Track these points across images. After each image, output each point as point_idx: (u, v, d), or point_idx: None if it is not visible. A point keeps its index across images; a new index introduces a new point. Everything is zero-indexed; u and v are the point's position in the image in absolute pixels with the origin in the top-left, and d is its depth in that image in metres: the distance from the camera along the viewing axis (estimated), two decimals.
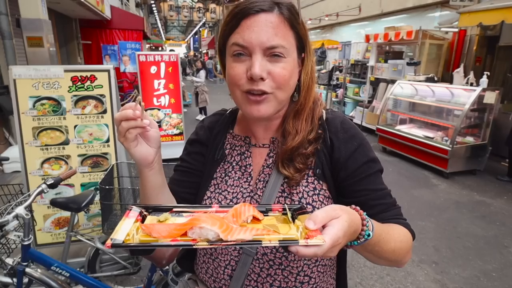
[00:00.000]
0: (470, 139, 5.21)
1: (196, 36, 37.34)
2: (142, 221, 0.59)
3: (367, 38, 7.72)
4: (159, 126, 5.03)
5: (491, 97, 4.83)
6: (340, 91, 9.10)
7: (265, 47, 0.67)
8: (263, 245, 0.51)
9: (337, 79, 9.47)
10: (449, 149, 4.89)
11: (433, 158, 5.22)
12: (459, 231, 3.53)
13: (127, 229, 0.53)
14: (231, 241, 0.51)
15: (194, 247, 0.51)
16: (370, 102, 7.87)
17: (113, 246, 0.49)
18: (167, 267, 1.92)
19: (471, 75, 5.35)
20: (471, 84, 5.24)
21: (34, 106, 2.31)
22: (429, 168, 5.37)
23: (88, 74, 2.38)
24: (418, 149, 5.47)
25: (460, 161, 5.11)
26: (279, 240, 0.51)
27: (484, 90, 4.87)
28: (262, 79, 0.68)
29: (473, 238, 3.39)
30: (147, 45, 17.20)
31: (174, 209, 0.63)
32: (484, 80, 4.98)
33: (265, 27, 0.66)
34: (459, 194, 4.51)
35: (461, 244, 3.27)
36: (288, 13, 0.69)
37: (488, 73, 5.12)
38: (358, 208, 0.62)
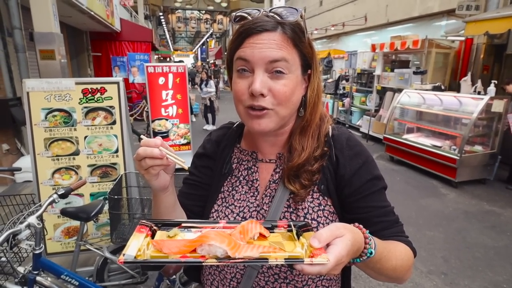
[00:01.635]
0: (478, 148, 5.16)
1: (204, 47, 37.79)
2: (152, 236, 0.61)
3: (373, 48, 7.75)
4: (167, 136, 5.10)
5: (499, 106, 4.80)
6: (346, 100, 9.11)
7: (268, 61, 0.69)
8: (269, 263, 0.53)
9: (344, 88, 9.49)
10: (457, 158, 4.85)
11: (441, 167, 5.18)
12: (469, 242, 3.47)
13: (138, 244, 0.55)
14: (238, 259, 0.53)
15: (203, 264, 0.53)
16: (376, 111, 7.86)
17: (125, 262, 0.51)
18: (174, 276, 1.95)
19: (479, 84, 5.32)
20: (479, 93, 5.22)
21: (46, 117, 2.38)
22: (437, 177, 5.32)
23: (98, 86, 2.45)
24: (426, 158, 5.43)
25: (469, 170, 5.05)
26: (285, 258, 0.53)
27: (492, 98, 4.84)
28: (262, 95, 0.70)
29: (483, 249, 3.33)
30: (156, 56, 17.50)
31: (183, 224, 0.65)
32: (491, 89, 4.95)
33: (267, 43, 0.69)
34: (468, 204, 4.45)
35: (470, 255, 3.22)
36: (291, 32, 0.71)
37: (496, 82, 5.10)
38: (361, 226, 0.64)
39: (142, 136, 0.75)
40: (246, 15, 0.73)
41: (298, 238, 0.61)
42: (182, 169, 0.99)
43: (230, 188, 0.86)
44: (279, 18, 0.71)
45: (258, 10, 0.73)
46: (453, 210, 4.26)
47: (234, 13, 0.75)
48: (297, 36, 0.72)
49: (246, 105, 0.73)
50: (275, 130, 0.76)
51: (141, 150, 0.66)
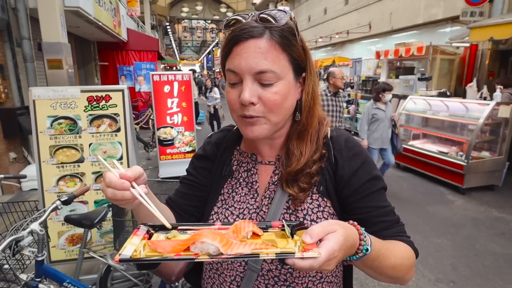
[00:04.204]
0: (486, 154, 5.09)
1: (209, 56, 38.22)
2: (149, 238, 0.62)
3: (378, 55, 7.77)
4: (172, 144, 5.12)
5: (505, 111, 4.74)
6: (352, 107, 9.09)
7: (254, 72, 0.68)
8: (260, 257, 0.53)
9: (349, 95, 9.48)
10: (465, 164, 4.79)
11: (448, 173, 5.11)
12: (478, 249, 3.40)
13: (135, 246, 0.56)
14: (230, 255, 0.53)
15: (195, 260, 0.53)
16: None
17: (121, 260, 0.52)
18: (176, 283, 1.93)
19: (485, 89, 5.29)
20: (485, 98, 5.17)
21: (51, 125, 2.41)
22: (445, 184, 5.25)
23: (103, 94, 2.47)
24: (433, 165, 5.37)
25: (476, 177, 4.98)
26: (276, 253, 0.53)
27: (498, 104, 4.79)
28: (253, 104, 0.70)
29: (493, 256, 3.26)
30: (162, 65, 17.71)
31: (179, 227, 0.66)
32: (498, 94, 4.90)
33: (253, 53, 0.68)
34: (477, 211, 4.37)
35: (480, 263, 3.15)
36: (279, 37, 0.69)
37: (502, 87, 5.05)
38: (355, 223, 0.63)
39: (114, 162, 0.71)
40: (240, 18, 0.72)
41: (292, 236, 0.61)
42: (176, 177, 0.99)
43: (230, 190, 0.86)
44: (267, 23, 0.70)
45: (247, 15, 0.72)
46: (461, 217, 4.19)
47: (225, 19, 0.74)
48: (286, 40, 0.70)
49: (239, 114, 0.74)
50: (269, 135, 0.76)
51: (110, 194, 0.63)
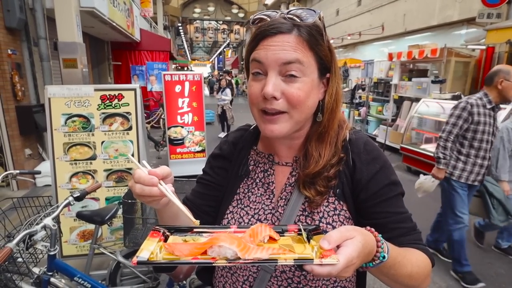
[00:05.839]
0: None
1: (221, 56, 38.44)
2: (165, 240, 0.62)
3: (390, 57, 7.66)
4: (182, 143, 5.16)
5: None
6: (363, 110, 9.00)
7: (281, 63, 0.68)
8: (279, 263, 0.52)
9: (360, 97, 9.40)
10: None
11: None
12: (491, 256, 3.32)
13: (151, 248, 0.56)
14: (248, 260, 0.53)
15: (213, 264, 0.53)
16: (393, 120, 7.72)
17: (139, 263, 0.52)
18: (184, 282, 1.94)
19: None
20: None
21: (65, 123, 2.45)
22: None
23: (116, 92, 2.51)
24: None
25: None
26: (294, 259, 0.52)
27: None
28: (275, 98, 0.69)
29: (507, 265, 3.17)
30: (173, 65, 17.89)
31: (195, 230, 0.66)
32: None
33: (281, 45, 0.68)
34: None
35: (493, 271, 3.08)
36: (307, 35, 0.70)
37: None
38: (373, 230, 0.62)
39: (144, 162, 0.70)
40: (265, 17, 0.73)
41: (309, 241, 0.60)
42: (196, 176, 0.98)
43: (246, 190, 0.86)
44: (295, 21, 0.69)
45: (276, 12, 0.73)
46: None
47: (252, 16, 0.74)
48: (313, 38, 0.70)
49: (259, 108, 0.73)
50: (288, 135, 0.75)
51: (138, 190, 0.63)
